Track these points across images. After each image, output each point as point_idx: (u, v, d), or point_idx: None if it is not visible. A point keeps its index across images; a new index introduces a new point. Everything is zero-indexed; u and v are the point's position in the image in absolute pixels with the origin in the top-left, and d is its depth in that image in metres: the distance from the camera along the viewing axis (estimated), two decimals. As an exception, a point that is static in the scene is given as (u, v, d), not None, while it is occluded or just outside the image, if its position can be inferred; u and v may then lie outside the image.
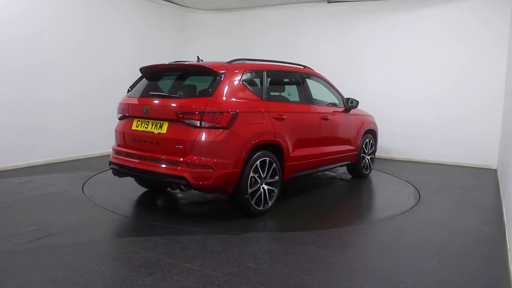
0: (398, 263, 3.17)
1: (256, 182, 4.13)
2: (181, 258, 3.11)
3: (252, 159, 4.04)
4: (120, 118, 4.55)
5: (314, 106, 5.14)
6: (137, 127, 4.26)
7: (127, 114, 4.41)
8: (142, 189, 5.19)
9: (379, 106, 7.77)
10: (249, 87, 4.28)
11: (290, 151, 4.55)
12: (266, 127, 4.22)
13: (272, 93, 4.79)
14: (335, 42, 8.49)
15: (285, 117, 4.48)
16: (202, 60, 4.70)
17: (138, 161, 4.14)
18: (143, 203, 4.82)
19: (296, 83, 5.15)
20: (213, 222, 4.06)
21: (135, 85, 4.64)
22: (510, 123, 5.18)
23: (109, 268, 2.96)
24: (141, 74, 4.68)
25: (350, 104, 5.72)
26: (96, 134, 7.20)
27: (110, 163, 4.47)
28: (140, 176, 4.34)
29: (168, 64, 4.51)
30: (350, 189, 5.79)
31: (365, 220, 4.44)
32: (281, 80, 5.23)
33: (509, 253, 3.34)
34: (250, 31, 9.30)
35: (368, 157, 6.31)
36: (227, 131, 3.87)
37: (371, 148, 6.41)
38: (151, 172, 4.00)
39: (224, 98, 3.98)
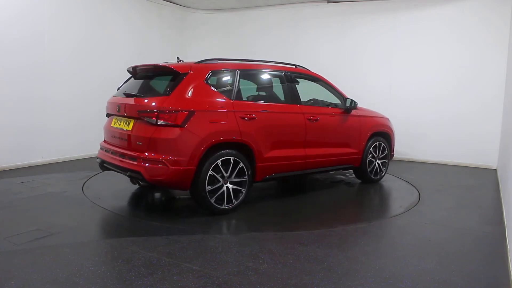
0: (398, 263, 3.17)
1: (218, 180, 4.15)
2: (181, 258, 3.12)
3: (212, 158, 4.07)
4: (107, 116, 4.84)
5: (298, 106, 4.97)
6: (114, 124, 4.52)
7: (109, 112, 4.73)
8: (141, 189, 5.20)
9: (379, 106, 7.73)
10: (214, 86, 4.32)
11: (263, 152, 4.50)
12: (229, 127, 4.21)
13: (244, 93, 4.73)
14: (335, 42, 8.48)
15: (255, 117, 4.43)
16: (182, 61, 4.74)
17: (112, 156, 4.40)
18: (143, 203, 4.83)
19: (280, 83, 5.05)
20: (213, 221, 4.06)
21: (123, 85, 4.84)
22: (510, 123, 5.18)
23: (109, 268, 2.96)
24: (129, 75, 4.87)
25: (350, 105, 5.45)
26: (96, 134, 7.13)
27: (96, 157, 4.75)
28: (114, 170, 4.46)
29: (143, 65, 4.63)
30: (352, 190, 5.77)
31: (365, 220, 4.43)
32: (259, 80, 5.13)
33: (509, 253, 3.34)
34: (250, 31, 9.30)
35: (379, 162, 5.94)
36: (181, 129, 3.95)
37: (383, 152, 5.99)
38: (119, 166, 4.24)
39: (182, 97, 4.06)
